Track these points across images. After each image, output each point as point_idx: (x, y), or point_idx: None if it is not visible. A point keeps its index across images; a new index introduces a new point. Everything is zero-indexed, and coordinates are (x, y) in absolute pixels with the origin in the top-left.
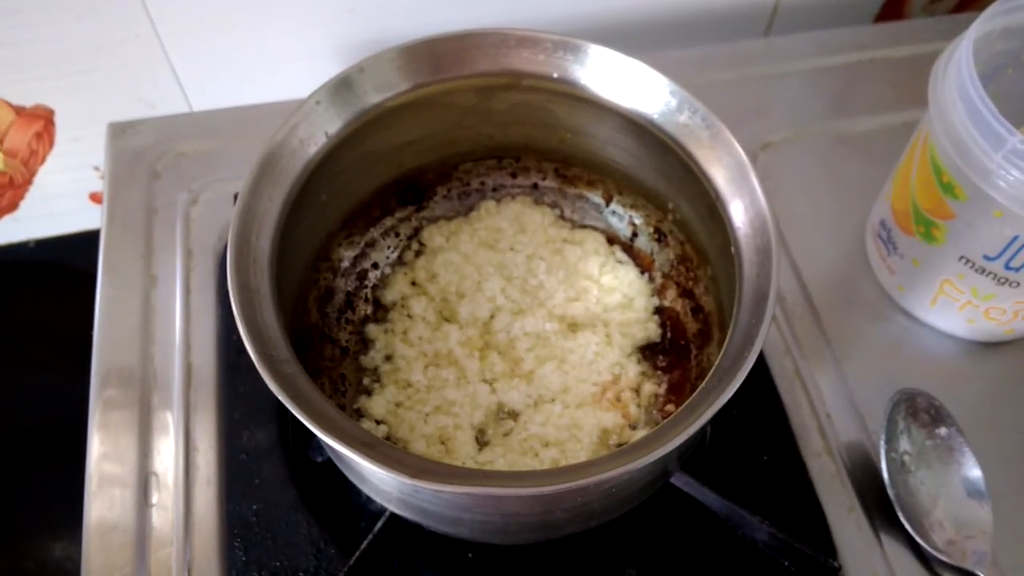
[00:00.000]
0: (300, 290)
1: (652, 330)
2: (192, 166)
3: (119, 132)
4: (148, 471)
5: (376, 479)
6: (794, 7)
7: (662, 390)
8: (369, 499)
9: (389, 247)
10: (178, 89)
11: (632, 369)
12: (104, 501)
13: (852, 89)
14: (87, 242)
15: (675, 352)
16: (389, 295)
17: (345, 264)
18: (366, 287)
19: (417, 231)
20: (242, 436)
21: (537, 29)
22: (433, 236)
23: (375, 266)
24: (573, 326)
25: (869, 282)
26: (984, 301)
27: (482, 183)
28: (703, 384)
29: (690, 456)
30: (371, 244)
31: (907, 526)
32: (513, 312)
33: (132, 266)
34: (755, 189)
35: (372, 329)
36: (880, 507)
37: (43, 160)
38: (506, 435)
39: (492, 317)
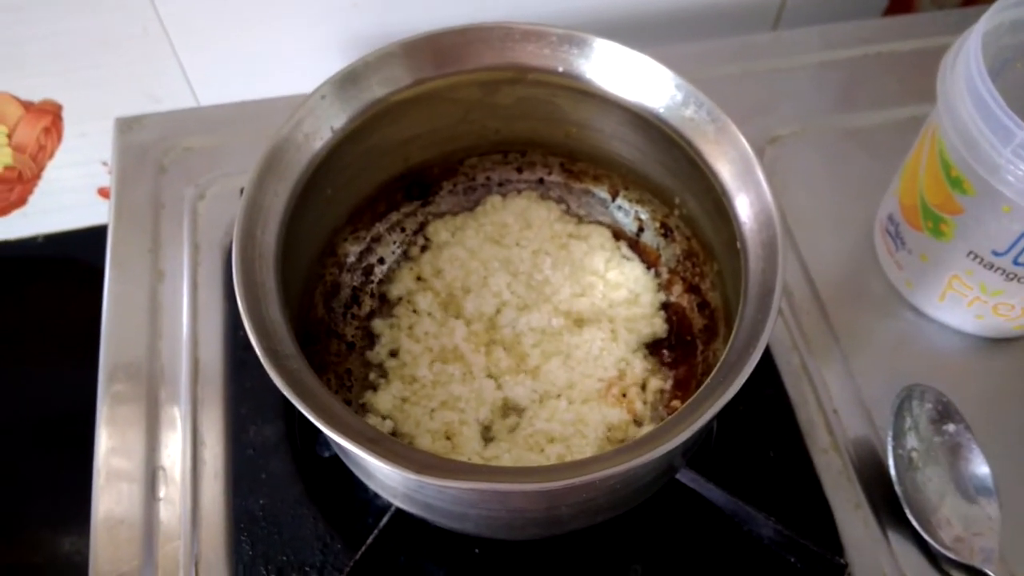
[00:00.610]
0: (306, 285)
1: (658, 326)
2: (199, 161)
3: (126, 127)
4: (155, 465)
5: (381, 475)
6: (802, 0)
7: (668, 386)
8: (375, 494)
9: (395, 242)
10: (185, 84)
11: (638, 365)
12: (112, 495)
13: (860, 83)
14: (95, 236)
15: (681, 348)
16: (395, 290)
17: (351, 259)
18: (372, 282)
19: (423, 226)
20: (249, 431)
21: (542, 23)
22: (439, 231)
23: (381, 261)
24: (579, 322)
25: (877, 278)
26: (993, 297)
27: (488, 178)
28: (709, 379)
29: (696, 452)
30: (377, 239)
31: (914, 523)
32: (519, 307)
33: (139, 261)
34: (761, 184)
35: (378, 324)
36: (887, 504)
37: (51, 155)
38: (511, 431)
39: (498, 312)
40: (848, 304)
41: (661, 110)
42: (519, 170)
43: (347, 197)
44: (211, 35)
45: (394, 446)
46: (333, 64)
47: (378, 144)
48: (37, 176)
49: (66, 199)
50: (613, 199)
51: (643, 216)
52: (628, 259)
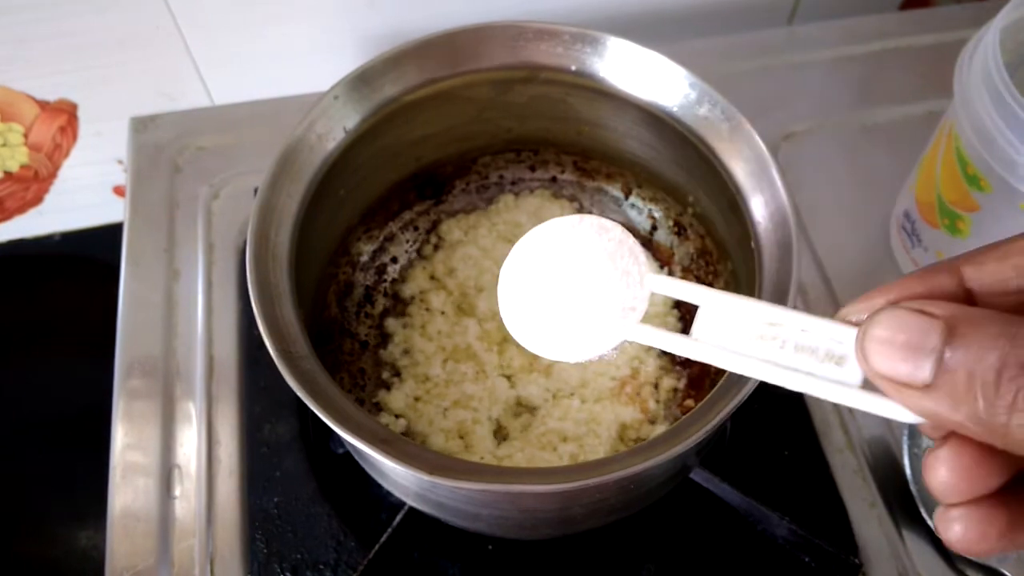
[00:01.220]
0: (319, 284)
1: (672, 324)
2: (213, 160)
3: (141, 126)
4: (171, 463)
5: (394, 474)
6: None
7: (681, 385)
8: (388, 492)
9: (408, 241)
10: (199, 83)
11: (651, 364)
12: (128, 491)
13: (877, 78)
14: (111, 234)
15: None
16: (408, 289)
17: (364, 258)
18: (385, 281)
19: (435, 225)
20: (263, 429)
21: (555, 21)
22: (452, 230)
23: (394, 260)
24: None
25: (893, 275)
26: None
27: (500, 176)
28: (723, 379)
29: (710, 451)
30: (390, 238)
31: (930, 522)
32: None
33: (155, 260)
34: (776, 183)
35: (391, 323)
36: (902, 503)
37: (67, 154)
38: (524, 429)
39: None
40: None
41: (675, 108)
42: (532, 168)
43: (360, 197)
44: (225, 34)
45: (406, 446)
46: (348, 62)
47: (391, 144)
48: (53, 175)
49: (81, 197)
50: (626, 197)
51: (656, 214)
52: None
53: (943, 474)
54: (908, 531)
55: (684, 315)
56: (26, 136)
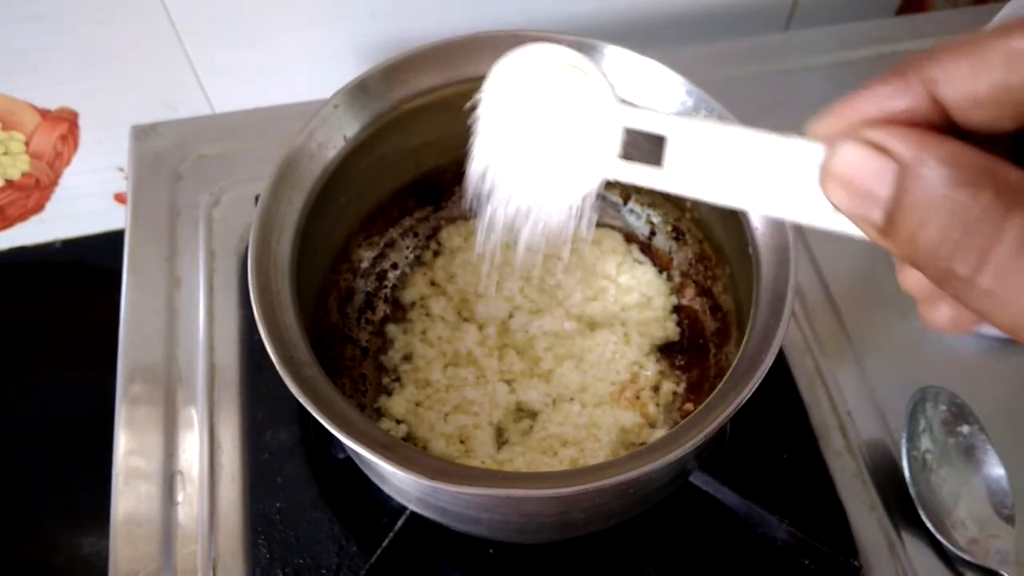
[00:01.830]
0: (320, 291)
1: (670, 329)
2: (214, 168)
3: (142, 135)
4: (173, 469)
5: (396, 480)
6: (814, 1)
7: (681, 389)
8: (390, 497)
9: (408, 247)
10: (200, 91)
11: (650, 368)
12: (131, 497)
13: None
14: (112, 242)
15: (693, 351)
16: (408, 295)
17: (364, 265)
18: (385, 287)
19: (435, 231)
20: (265, 435)
21: (552, 30)
22: (451, 236)
23: (394, 266)
24: (591, 325)
25: (890, 279)
26: None
27: None
28: (722, 383)
29: (709, 455)
30: (390, 245)
31: (929, 525)
32: (531, 311)
33: (156, 267)
34: None
35: (391, 329)
36: (901, 506)
37: (68, 162)
38: (525, 434)
39: (510, 317)
40: (862, 306)
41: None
42: None
43: (360, 204)
44: (225, 43)
45: (408, 452)
46: (348, 70)
47: (390, 152)
48: (54, 183)
49: (82, 205)
50: (625, 203)
51: (655, 220)
52: (640, 263)
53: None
54: (907, 534)
55: (682, 320)
56: (27, 144)
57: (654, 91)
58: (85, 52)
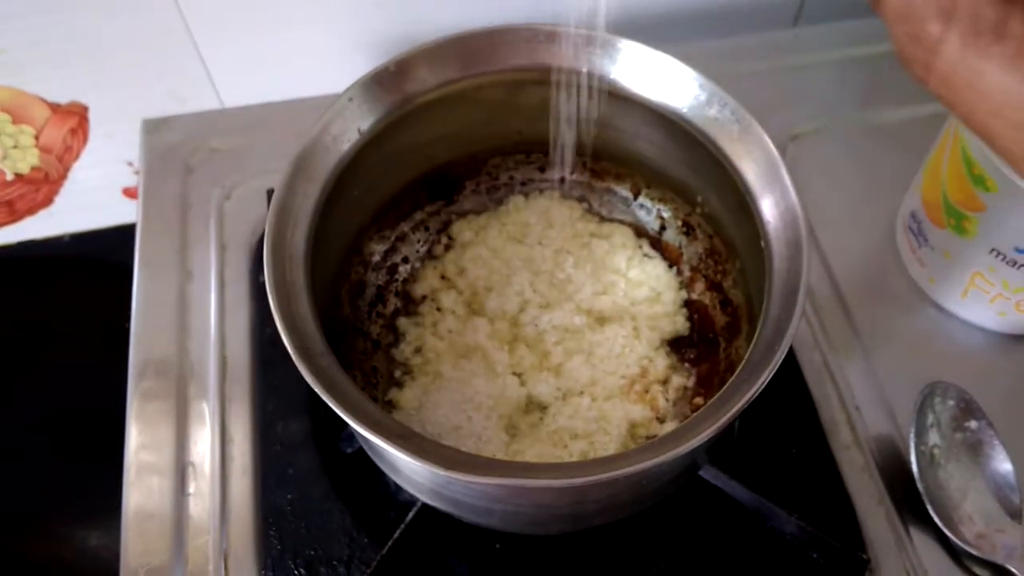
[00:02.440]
0: (332, 284)
1: (680, 323)
2: (225, 162)
3: (153, 128)
4: (185, 461)
5: (409, 470)
6: None
7: (690, 383)
8: (399, 489)
9: (419, 241)
10: (210, 85)
11: (660, 362)
12: (142, 490)
13: (883, 79)
14: (121, 236)
15: (704, 345)
16: (419, 289)
17: (376, 258)
18: (396, 281)
19: (446, 225)
20: (276, 427)
21: (567, 24)
22: (462, 231)
23: (405, 260)
24: (601, 319)
25: (899, 275)
26: (1015, 294)
27: (511, 177)
28: (733, 377)
29: (719, 449)
30: (401, 238)
31: (936, 519)
32: (541, 306)
33: (168, 261)
34: (786, 184)
35: (403, 322)
36: (909, 500)
37: (77, 156)
38: (535, 427)
39: (521, 311)
40: (870, 301)
41: (684, 110)
42: (542, 169)
43: (373, 197)
44: (235, 36)
45: (423, 443)
46: (357, 65)
47: (404, 145)
48: (63, 176)
49: (92, 199)
50: (635, 197)
51: (665, 214)
52: (650, 257)
53: None
54: (915, 528)
55: (692, 315)
56: (37, 138)
57: (668, 85)
58: (95, 46)
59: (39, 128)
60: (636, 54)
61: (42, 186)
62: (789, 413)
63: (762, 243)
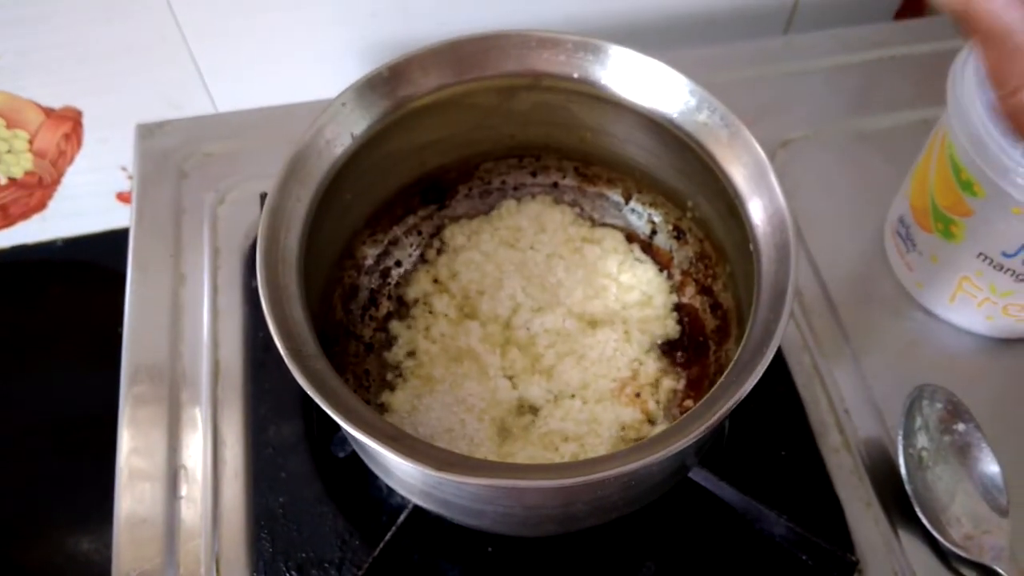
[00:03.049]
0: (325, 287)
1: (671, 327)
2: (218, 166)
3: (147, 133)
4: (177, 465)
5: (401, 472)
6: (813, 4)
7: (681, 386)
8: (391, 492)
9: (412, 245)
10: (203, 90)
11: (651, 365)
12: (134, 494)
13: (872, 86)
14: (114, 241)
15: (694, 348)
16: (412, 292)
17: (369, 262)
18: (389, 284)
19: (439, 230)
20: (268, 431)
21: (558, 30)
22: (455, 235)
23: (398, 264)
24: (592, 323)
25: (888, 279)
26: (1003, 298)
27: (503, 182)
28: (723, 378)
29: (708, 451)
30: (394, 242)
31: (925, 521)
32: (533, 309)
33: (161, 265)
34: (774, 188)
35: (395, 326)
36: (898, 502)
37: (71, 160)
38: (526, 429)
39: (513, 314)
40: (859, 305)
41: (675, 115)
42: (534, 174)
43: (366, 201)
44: (230, 42)
45: (416, 444)
46: (350, 70)
47: (396, 150)
48: (57, 181)
49: (85, 204)
50: (627, 202)
51: (656, 219)
52: (641, 261)
53: None
54: (903, 530)
55: (683, 318)
56: (31, 142)
57: (658, 91)
58: (90, 51)
59: (33, 133)
60: (627, 60)
61: (36, 190)
62: (778, 416)
63: (751, 247)
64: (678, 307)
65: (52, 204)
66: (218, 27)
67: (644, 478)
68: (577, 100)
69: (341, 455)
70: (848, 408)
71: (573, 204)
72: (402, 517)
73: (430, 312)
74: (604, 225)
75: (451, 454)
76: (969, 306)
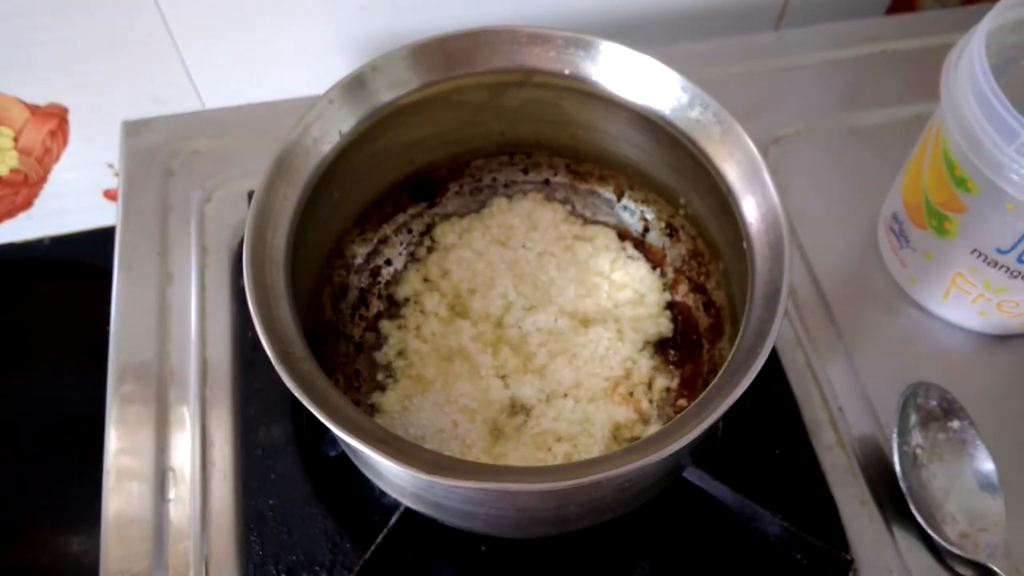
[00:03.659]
0: (314, 287)
1: (664, 325)
2: (206, 164)
3: (133, 130)
4: (165, 466)
5: (391, 474)
6: (804, 0)
7: (674, 385)
8: (383, 493)
9: (402, 244)
10: (190, 87)
11: (644, 364)
12: (122, 495)
13: (864, 82)
14: (100, 239)
15: (687, 347)
16: (402, 291)
17: (359, 261)
18: (379, 283)
19: (429, 228)
20: (258, 431)
21: (548, 26)
22: (445, 233)
23: (388, 263)
24: (585, 322)
25: (881, 275)
26: (996, 294)
27: (494, 179)
28: (716, 379)
29: (702, 450)
30: (384, 241)
31: (919, 519)
32: (525, 308)
33: (148, 263)
34: (767, 185)
35: (386, 325)
36: (892, 500)
37: (57, 158)
38: (519, 429)
39: (504, 313)
40: (852, 302)
41: (667, 112)
42: (525, 171)
43: (355, 199)
44: (216, 38)
45: (405, 446)
46: (338, 66)
47: (385, 147)
48: (43, 179)
49: (71, 202)
50: (619, 199)
51: (648, 216)
52: (633, 259)
53: None
54: (898, 528)
55: (676, 316)
56: (16, 140)
57: (650, 87)
58: (75, 47)
59: (18, 130)
60: (618, 56)
61: (21, 189)
62: (772, 414)
63: (744, 244)
64: (671, 305)
65: (38, 202)
66: (205, 23)
67: (638, 479)
68: (568, 96)
69: (332, 454)
70: (842, 406)
71: (565, 201)
72: (394, 518)
73: (421, 311)
74: (596, 223)
75: (442, 456)
76: (963, 302)
